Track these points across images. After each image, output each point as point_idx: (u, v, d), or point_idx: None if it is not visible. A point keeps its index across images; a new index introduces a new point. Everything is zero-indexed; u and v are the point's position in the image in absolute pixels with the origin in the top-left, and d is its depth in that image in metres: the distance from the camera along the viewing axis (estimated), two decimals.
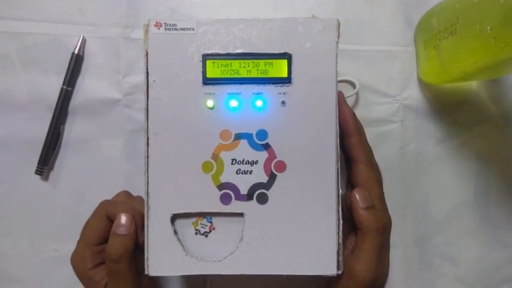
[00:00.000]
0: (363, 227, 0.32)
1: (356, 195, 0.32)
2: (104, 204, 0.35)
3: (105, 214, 0.34)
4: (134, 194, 0.41)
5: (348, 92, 0.41)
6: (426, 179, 0.43)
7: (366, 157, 0.34)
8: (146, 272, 0.31)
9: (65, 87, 0.41)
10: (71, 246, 0.41)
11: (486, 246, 0.43)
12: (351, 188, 0.34)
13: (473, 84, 0.43)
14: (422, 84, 0.43)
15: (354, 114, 0.35)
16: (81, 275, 0.34)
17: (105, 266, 0.33)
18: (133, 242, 0.32)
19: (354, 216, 0.32)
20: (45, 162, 0.41)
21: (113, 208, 0.34)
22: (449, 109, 0.43)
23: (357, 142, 0.34)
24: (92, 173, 0.42)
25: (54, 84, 0.41)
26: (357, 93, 0.42)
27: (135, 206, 0.35)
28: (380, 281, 0.33)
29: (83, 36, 0.41)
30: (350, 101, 0.42)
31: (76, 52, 0.41)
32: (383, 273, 0.33)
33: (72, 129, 0.42)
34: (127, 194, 0.38)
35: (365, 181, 0.33)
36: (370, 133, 0.37)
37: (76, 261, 0.34)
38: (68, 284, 0.42)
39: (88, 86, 0.42)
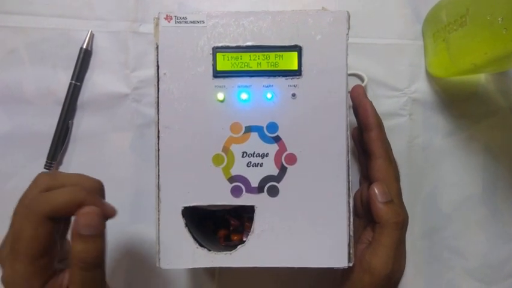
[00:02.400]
0: (382, 221, 0.32)
1: (375, 190, 0.32)
2: (35, 202, 0.26)
3: (43, 215, 0.26)
4: (144, 189, 0.42)
5: None
6: (435, 172, 0.43)
7: (385, 152, 0.34)
8: (157, 265, 0.31)
9: (73, 82, 0.41)
10: None
11: (494, 239, 0.43)
12: (369, 182, 0.34)
13: (481, 77, 0.43)
14: (430, 77, 0.43)
15: (375, 108, 0.34)
16: None
17: (71, 279, 0.26)
18: (104, 240, 0.27)
19: (373, 210, 0.32)
20: (54, 157, 0.41)
21: (54, 203, 0.26)
22: (457, 102, 0.43)
23: (377, 136, 0.34)
24: (101, 167, 0.42)
25: (63, 79, 0.41)
26: (365, 87, 0.42)
27: (71, 183, 0.28)
28: (396, 275, 0.33)
29: (91, 31, 0.41)
30: None
31: (84, 47, 0.41)
32: (399, 268, 0.33)
33: (81, 124, 0.42)
34: (46, 175, 0.28)
35: (383, 176, 0.33)
36: None
37: (17, 284, 0.26)
38: None
39: (96, 81, 0.42)
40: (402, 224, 0.32)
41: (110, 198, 0.42)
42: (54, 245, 0.27)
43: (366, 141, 0.34)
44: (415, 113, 0.43)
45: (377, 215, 0.32)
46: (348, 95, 0.32)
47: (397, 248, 0.32)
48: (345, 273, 0.34)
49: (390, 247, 0.31)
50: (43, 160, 0.41)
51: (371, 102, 0.35)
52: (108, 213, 0.28)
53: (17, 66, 0.41)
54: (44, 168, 0.41)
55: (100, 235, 0.26)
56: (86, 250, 0.26)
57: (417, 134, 0.43)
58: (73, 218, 0.27)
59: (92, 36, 0.41)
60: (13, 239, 0.26)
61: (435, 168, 0.43)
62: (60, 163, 0.42)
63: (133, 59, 0.42)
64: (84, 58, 0.41)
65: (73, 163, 0.42)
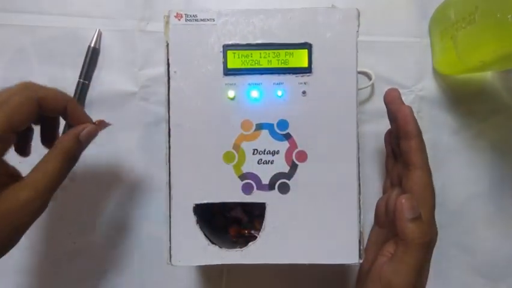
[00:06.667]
0: (407, 239, 0.29)
1: (403, 203, 0.30)
2: (30, 85, 0.31)
3: (36, 98, 0.30)
4: (152, 187, 0.42)
5: (363, 83, 0.42)
6: (441, 170, 0.43)
7: (425, 163, 0.32)
8: (168, 262, 0.31)
9: (81, 80, 0.41)
10: (89, 239, 0.42)
11: (501, 236, 0.43)
12: (399, 190, 0.33)
13: (488, 75, 0.43)
14: (437, 75, 0.43)
15: (414, 115, 0.33)
16: None
17: (46, 163, 0.30)
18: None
19: (398, 225, 0.30)
20: None
21: (47, 92, 0.31)
22: (464, 100, 0.43)
23: (418, 146, 0.32)
24: (109, 165, 0.42)
25: (71, 78, 0.41)
26: (372, 85, 0.42)
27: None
28: None
29: (99, 30, 0.41)
30: (365, 92, 0.42)
31: (92, 45, 0.41)
32: (421, 285, 0.31)
33: None
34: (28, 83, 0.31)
35: (420, 189, 0.31)
36: (385, 124, 0.37)
37: None
38: (86, 277, 0.42)
39: (104, 79, 0.42)
40: (428, 244, 0.30)
41: (118, 196, 0.43)
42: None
43: (405, 150, 0.33)
44: (422, 111, 0.43)
45: (402, 232, 0.29)
46: (358, 92, 0.32)
47: (421, 268, 0.30)
48: (361, 284, 0.33)
49: (413, 267, 0.29)
50: None
51: (410, 108, 0.33)
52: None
53: (24, 65, 0.42)
54: None
55: (86, 145, 0.33)
56: (74, 148, 0.32)
57: (424, 132, 0.41)
58: None
59: (100, 34, 0.41)
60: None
61: (443, 165, 0.43)
62: None
63: (140, 57, 0.42)
64: (92, 56, 0.41)
65: (82, 161, 0.42)
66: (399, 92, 0.34)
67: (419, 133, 0.32)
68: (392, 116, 0.35)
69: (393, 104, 0.34)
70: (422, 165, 0.32)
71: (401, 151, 0.34)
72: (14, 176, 0.31)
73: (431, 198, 0.32)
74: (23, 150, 0.34)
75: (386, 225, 0.34)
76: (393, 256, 0.31)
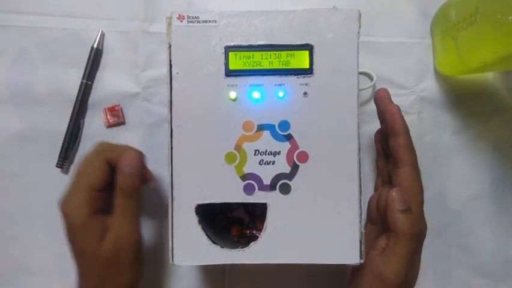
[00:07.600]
0: (398, 230, 0.30)
1: (393, 196, 0.31)
2: (101, 149, 0.34)
3: (105, 160, 0.33)
4: (154, 187, 0.42)
5: (365, 84, 0.42)
6: (443, 170, 0.43)
7: (413, 160, 0.33)
8: (171, 262, 0.31)
9: (84, 81, 0.41)
10: None
11: (502, 236, 0.43)
12: (388, 188, 0.33)
13: (490, 76, 0.43)
14: (439, 75, 0.43)
15: (402, 114, 0.34)
16: (76, 223, 0.32)
17: (116, 203, 0.33)
18: (140, 179, 0.34)
19: (389, 217, 0.31)
20: (66, 156, 0.41)
21: (112, 152, 0.34)
22: (465, 100, 0.43)
23: (405, 143, 0.33)
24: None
25: (74, 79, 0.42)
26: (374, 85, 0.42)
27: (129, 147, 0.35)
28: (408, 285, 0.32)
29: (102, 31, 0.42)
30: (367, 93, 0.43)
31: (95, 46, 0.41)
32: (412, 277, 0.32)
33: (92, 122, 0.42)
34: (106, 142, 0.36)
35: (409, 185, 0.32)
36: None
37: (74, 207, 0.32)
38: None
39: (107, 80, 0.42)
40: (418, 235, 0.31)
41: None
42: (109, 186, 0.33)
43: (393, 147, 0.34)
44: (424, 111, 0.43)
45: (393, 223, 0.31)
46: (359, 93, 0.32)
47: (411, 258, 0.31)
48: (354, 277, 0.34)
49: (405, 258, 0.30)
50: (55, 159, 0.41)
51: (398, 107, 0.34)
52: (147, 174, 0.37)
53: (28, 66, 0.42)
54: (56, 166, 0.41)
55: (136, 174, 0.33)
56: (128, 182, 0.33)
57: (425, 132, 0.43)
58: None
59: (102, 35, 0.42)
60: (78, 173, 0.33)
61: (444, 166, 0.43)
62: (72, 162, 0.42)
63: (143, 58, 0.42)
64: (95, 57, 0.41)
65: None
66: (388, 91, 0.35)
67: (407, 131, 0.33)
68: (381, 115, 0.35)
69: (381, 103, 0.35)
70: (409, 162, 0.33)
71: (389, 149, 0.34)
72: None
73: (419, 193, 0.33)
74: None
75: (377, 222, 0.35)
76: (385, 248, 0.32)
